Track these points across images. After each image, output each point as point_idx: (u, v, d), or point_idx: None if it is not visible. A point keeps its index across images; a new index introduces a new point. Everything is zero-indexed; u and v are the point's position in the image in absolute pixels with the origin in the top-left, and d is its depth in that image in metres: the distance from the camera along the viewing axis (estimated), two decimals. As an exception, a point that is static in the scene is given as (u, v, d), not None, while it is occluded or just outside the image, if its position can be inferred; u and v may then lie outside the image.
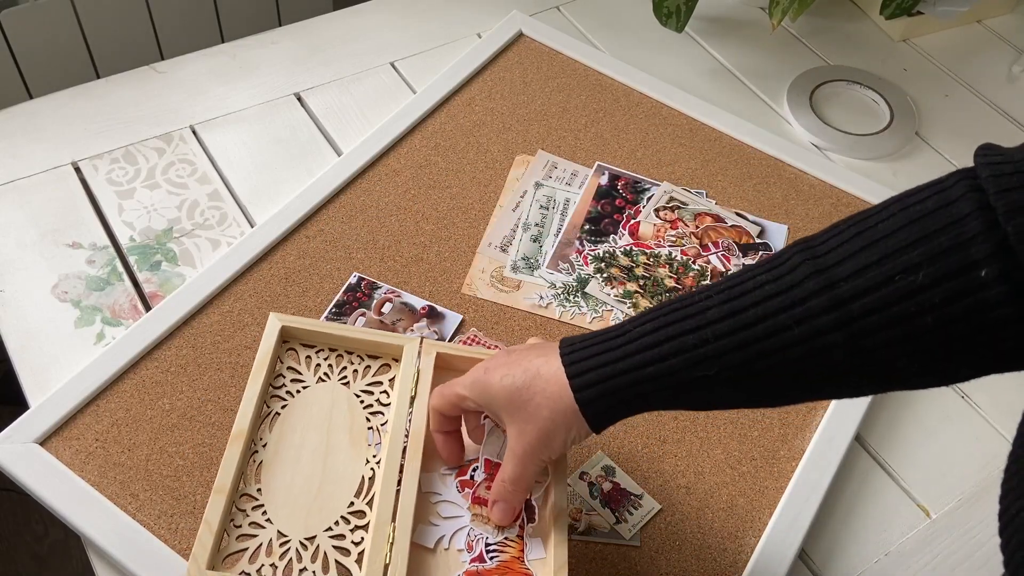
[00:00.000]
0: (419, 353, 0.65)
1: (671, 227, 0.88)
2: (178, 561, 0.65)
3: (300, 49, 1.03)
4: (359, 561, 0.58)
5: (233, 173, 0.91)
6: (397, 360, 0.67)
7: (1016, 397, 0.81)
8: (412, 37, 1.05)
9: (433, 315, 0.80)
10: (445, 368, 0.66)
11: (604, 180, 0.92)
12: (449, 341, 0.78)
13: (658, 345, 0.51)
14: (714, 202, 0.91)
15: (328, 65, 1.01)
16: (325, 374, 0.66)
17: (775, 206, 0.92)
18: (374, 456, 0.62)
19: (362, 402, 0.65)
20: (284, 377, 0.66)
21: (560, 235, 0.87)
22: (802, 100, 1.03)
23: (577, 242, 0.87)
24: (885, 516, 0.74)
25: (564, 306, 0.82)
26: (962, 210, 0.45)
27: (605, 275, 0.84)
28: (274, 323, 0.66)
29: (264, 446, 0.62)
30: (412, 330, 0.79)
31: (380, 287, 0.82)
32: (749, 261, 0.86)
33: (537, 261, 0.85)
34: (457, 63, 1.00)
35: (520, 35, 1.05)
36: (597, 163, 0.93)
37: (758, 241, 0.88)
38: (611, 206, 0.90)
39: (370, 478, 0.61)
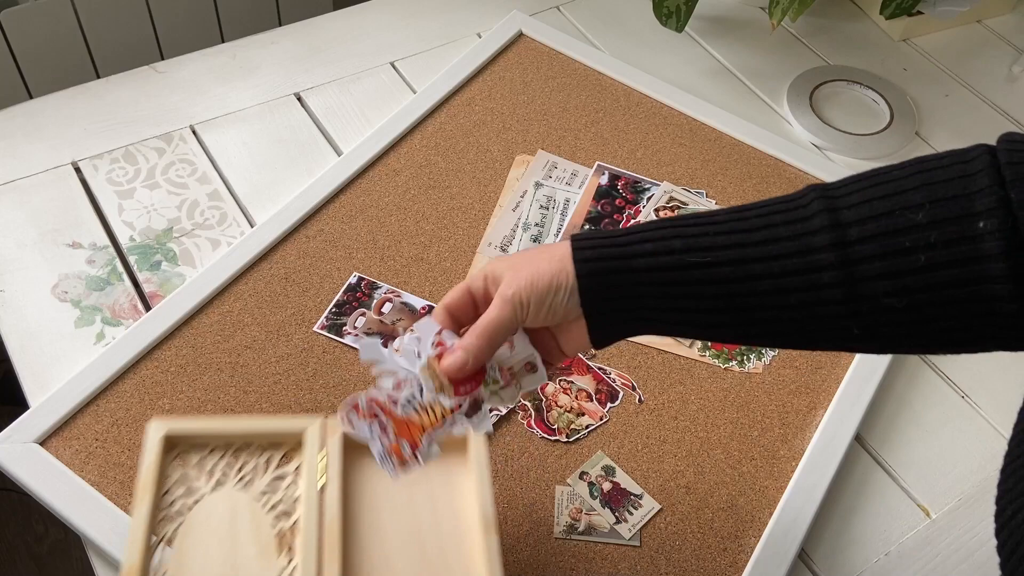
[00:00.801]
0: (323, 435, 0.58)
1: (671, 227, 0.88)
2: (178, 561, 0.65)
3: (300, 49, 1.03)
4: None
5: (233, 173, 0.91)
6: (301, 445, 0.59)
7: (1016, 397, 0.81)
8: (412, 37, 1.05)
9: (433, 315, 0.80)
10: (355, 447, 0.58)
11: (604, 180, 0.92)
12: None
13: (660, 228, 0.52)
14: (714, 202, 0.91)
15: (328, 65, 1.01)
16: (221, 478, 0.57)
17: (775, 206, 0.92)
18: (288, 564, 0.54)
19: (266, 504, 0.56)
20: (174, 493, 0.57)
21: (560, 235, 0.87)
22: (802, 100, 1.03)
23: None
24: (885, 516, 0.74)
25: (564, 306, 0.82)
26: (974, 167, 0.46)
27: (605, 275, 0.84)
28: (155, 432, 0.58)
29: None
30: (412, 330, 0.78)
31: (380, 287, 0.82)
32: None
33: (537, 261, 0.85)
34: (457, 63, 1.00)
35: (520, 35, 1.05)
36: (597, 163, 0.93)
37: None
38: (611, 206, 0.90)
39: None
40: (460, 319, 0.57)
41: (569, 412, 0.75)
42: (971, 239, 0.45)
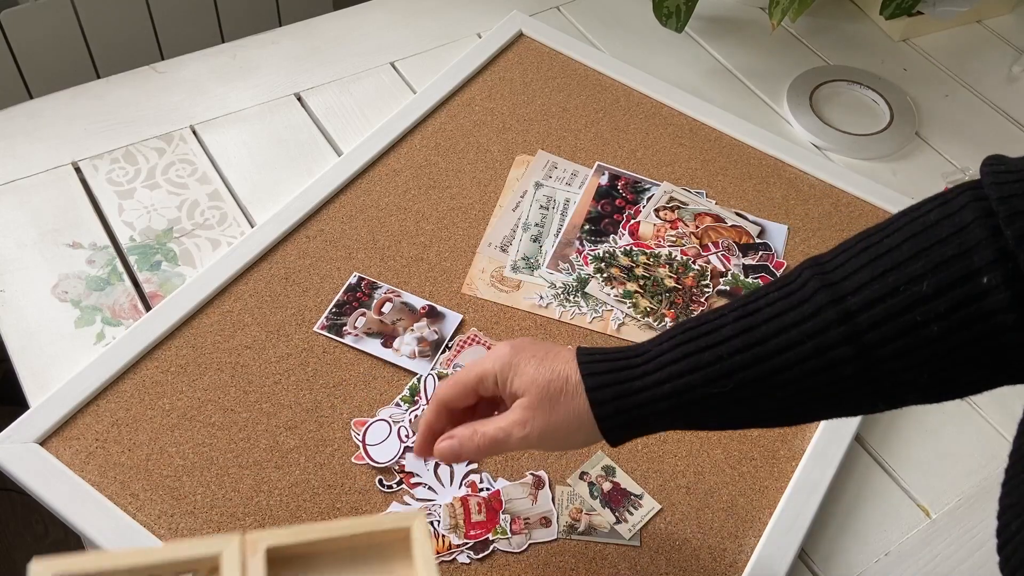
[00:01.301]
0: (243, 556, 0.45)
1: (671, 227, 0.88)
2: (178, 561, 0.65)
3: (300, 49, 1.03)
4: None
5: (233, 173, 0.91)
6: (216, 571, 0.46)
7: (1016, 397, 0.81)
8: (412, 37, 1.05)
9: (433, 315, 0.80)
10: (284, 560, 0.47)
11: (604, 180, 0.92)
12: (449, 341, 0.78)
13: (675, 362, 0.52)
14: (714, 202, 0.91)
15: (328, 65, 1.01)
16: None
17: (775, 206, 0.92)
18: None
19: None
20: None
21: (560, 235, 0.87)
22: (802, 100, 1.03)
23: (577, 242, 0.87)
24: (885, 516, 0.74)
25: (564, 306, 0.82)
26: (965, 219, 0.45)
27: (605, 275, 0.84)
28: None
29: None
30: (412, 330, 0.79)
31: (380, 287, 0.82)
32: (749, 261, 0.86)
33: (537, 261, 0.85)
34: (457, 63, 1.00)
35: (520, 35, 1.05)
36: (597, 163, 0.93)
37: (758, 241, 0.88)
38: (611, 206, 0.90)
39: None
40: (456, 414, 0.59)
41: None
42: (978, 297, 0.45)
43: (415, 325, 0.79)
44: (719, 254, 0.87)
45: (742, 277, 0.85)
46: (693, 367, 0.51)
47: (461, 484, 0.70)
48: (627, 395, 0.53)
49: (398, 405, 0.74)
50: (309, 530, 0.46)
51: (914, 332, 0.46)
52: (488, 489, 0.70)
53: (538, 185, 0.91)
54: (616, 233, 0.88)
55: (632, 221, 0.88)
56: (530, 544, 0.68)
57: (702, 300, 0.83)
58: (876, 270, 0.47)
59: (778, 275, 0.86)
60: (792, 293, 0.50)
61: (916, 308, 0.46)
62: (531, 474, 0.71)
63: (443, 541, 0.67)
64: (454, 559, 0.67)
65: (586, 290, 0.83)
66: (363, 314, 0.80)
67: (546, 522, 0.69)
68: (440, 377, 0.76)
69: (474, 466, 0.72)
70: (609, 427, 0.54)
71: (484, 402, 0.59)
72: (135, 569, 0.47)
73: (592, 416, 0.53)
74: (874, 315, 0.47)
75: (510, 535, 0.68)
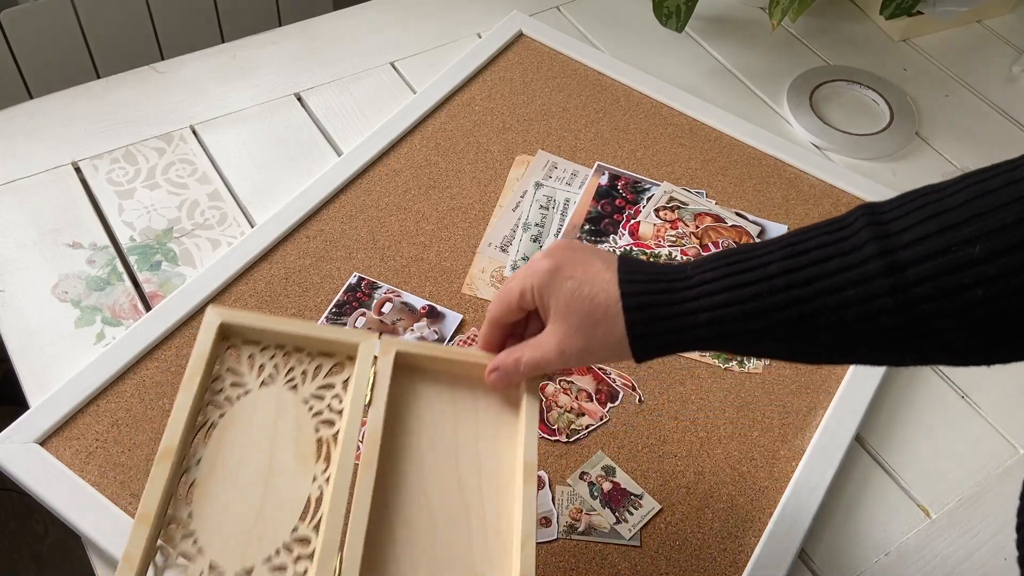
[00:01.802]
0: (377, 352, 0.57)
1: (671, 227, 0.88)
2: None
3: (300, 49, 1.03)
4: None
5: (233, 173, 0.91)
6: (352, 359, 0.58)
7: (1016, 397, 0.81)
8: (412, 37, 1.05)
9: (433, 315, 0.80)
10: (407, 368, 0.58)
11: (604, 180, 0.92)
12: (448, 341, 0.78)
13: (715, 294, 0.52)
14: (714, 202, 0.91)
15: (328, 65, 1.01)
16: (269, 376, 0.57)
17: (775, 206, 0.92)
18: (323, 472, 0.54)
19: (311, 409, 0.56)
20: (223, 381, 0.56)
21: (560, 235, 0.87)
22: (802, 100, 1.03)
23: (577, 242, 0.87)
24: (885, 516, 0.74)
25: (564, 306, 0.82)
26: None
27: (605, 275, 0.84)
28: (212, 318, 0.57)
29: (198, 463, 0.53)
30: (412, 330, 0.79)
31: (380, 287, 0.82)
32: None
33: (537, 261, 0.85)
34: (457, 63, 1.00)
35: (520, 35, 1.05)
36: (597, 163, 0.93)
37: (758, 241, 0.88)
38: (611, 206, 0.90)
39: (317, 499, 0.53)
40: (508, 327, 0.60)
41: (569, 412, 0.75)
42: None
43: (415, 325, 0.79)
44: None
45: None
46: (733, 300, 0.51)
47: None
48: (665, 319, 0.53)
49: (398, 405, 0.74)
50: (433, 347, 0.59)
51: (960, 294, 0.46)
52: None
53: (538, 185, 0.91)
54: (616, 233, 0.88)
55: (632, 221, 0.88)
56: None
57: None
58: (931, 227, 0.47)
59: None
60: (843, 239, 0.50)
61: (966, 270, 0.46)
62: None
63: None
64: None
65: (586, 290, 0.83)
66: (363, 314, 0.80)
67: (546, 522, 0.69)
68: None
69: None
70: (642, 351, 0.55)
71: (534, 313, 0.60)
72: (293, 336, 0.58)
73: (627, 338, 0.54)
74: (922, 271, 0.47)
75: None
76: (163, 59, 1.05)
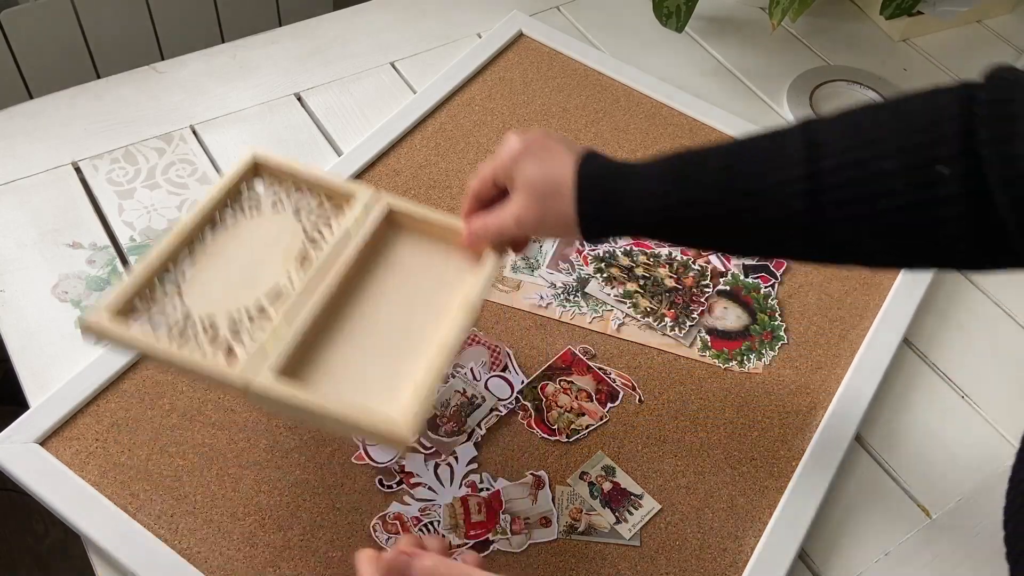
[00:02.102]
0: (372, 201, 0.68)
1: (671, 227, 0.88)
2: (178, 561, 0.65)
3: (300, 49, 1.03)
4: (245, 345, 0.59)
5: (233, 173, 0.90)
6: (348, 203, 0.69)
7: (1016, 397, 0.81)
8: (412, 37, 1.05)
9: (433, 315, 0.80)
10: (396, 222, 0.68)
11: (604, 180, 0.92)
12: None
13: (657, 179, 0.59)
14: (714, 202, 0.91)
15: (328, 65, 1.01)
16: (282, 204, 0.69)
17: (775, 206, 0.92)
18: (297, 271, 0.64)
19: (306, 232, 0.67)
20: (243, 195, 0.69)
21: (560, 235, 0.87)
22: (802, 100, 1.03)
23: (577, 242, 0.87)
24: (885, 516, 0.74)
25: (564, 306, 0.82)
26: (947, 111, 0.50)
27: (605, 275, 0.84)
28: (248, 154, 0.70)
29: (202, 243, 0.65)
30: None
31: (380, 287, 0.82)
32: (749, 261, 0.86)
33: (537, 261, 0.85)
34: (457, 63, 1.00)
35: (520, 35, 1.05)
36: (597, 163, 0.93)
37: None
38: (611, 206, 0.90)
39: (286, 287, 0.63)
40: (484, 204, 0.67)
41: (569, 412, 0.75)
42: (931, 184, 0.49)
43: (415, 325, 0.79)
44: (719, 254, 0.87)
45: (742, 277, 0.85)
46: (672, 188, 0.58)
47: (461, 484, 0.70)
48: (609, 200, 0.60)
49: (398, 405, 0.75)
50: (419, 208, 0.67)
51: (868, 202, 0.51)
52: (488, 489, 0.70)
53: (538, 185, 0.91)
54: (616, 233, 0.88)
55: (632, 221, 0.88)
56: (530, 544, 0.68)
57: (702, 300, 0.83)
58: (854, 140, 0.52)
59: (776, 272, 0.86)
60: (779, 146, 0.55)
61: (876, 182, 0.51)
62: (531, 474, 0.71)
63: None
64: (454, 559, 0.67)
65: (586, 290, 0.83)
66: (363, 314, 0.80)
67: (546, 522, 0.69)
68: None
69: (474, 466, 0.72)
70: (588, 229, 0.61)
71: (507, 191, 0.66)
72: (309, 179, 0.69)
73: (576, 215, 0.60)
74: (838, 179, 0.52)
75: (510, 535, 0.68)
76: (163, 59, 1.05)
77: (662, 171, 0.59)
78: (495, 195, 0.66)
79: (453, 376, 0.76)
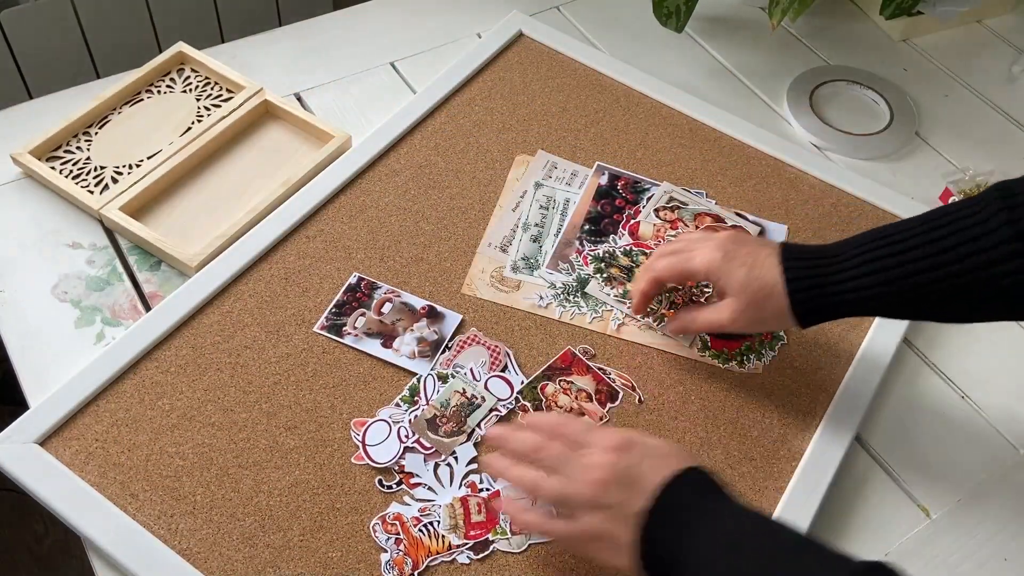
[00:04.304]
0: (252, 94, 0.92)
1: (671, 227, 0.88)
2: (178, 561, 0.65)
3: (300, 49, 1.03)
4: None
5: (233, 173, 0.90)
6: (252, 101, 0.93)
7: (1016, 397, 0.81)
8: (412, 37, 1.05)
9: (433, 315, 0.80)
10: (272, 115, 0.93)
11: (604, 180, 0.92)
12: (449, 341, 0.78)
13: (864, 264, 0.65)
14: (714, 202, 0.91)
15: (328, 65, 1.01)
16: (191, 89, 0.93)
17: (775, 206, 0.92)
18: (181, 136, 0.89)
19: (198, 112, 0.91)
20: (164, 80, 0.94)
21: (560, 235, 0.87)
22: (802, 100, 1.03)
23: (577, 242, 0.87)
24: (885, 516, 0.74)
25: (564, 306, 0.82)
26: None
27: (605, 275, 0.84)
28: (176, 46, 0.96)
29: (119, 114, 0.90)
30: (412, 330, 0.79)
31: (380, 287, 0.82)
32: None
33: (537, 261, 0.85)
34: (457, 63, 1.00)
35: (520, 35, 1.05)
36: (597, 163, 0.93)
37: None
38: (611, 206, 0.90)
39: (164, 149, 0.88)
40: (651, 299, 0.77)
41: (569, 413, 0.75)
42: None
43: (415, 325, 0.79)
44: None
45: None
46: (879, 269, 0.64)
47: (461, 484, 0.70)
48: (821, 296, 0.66)
49: (398, 405, 0.75)
50: (295, 109, 0.94)
51: None
52: (488, 489, 0.70)
53: (538, 185, 0.91)
54: (616, 233, 0.88)
55: (632, 221, 0.88)
56: (530, 544, 0.68)
57: (702, 300, 0.83)
58: None
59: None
60: (976, 212, 0.60)
61: None
62: None
63: (443, 541, 0.67)
64: (454, 559, 0.67)
65: (586, 290, 0.83)
66: (363, 314, 0.80)
67: None
68: (440, 377, 0.76)
69: (474, 466, 0.72)
70: (806, 321, 0.68)
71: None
72: (204, 66, 0.96)
73: (792, 312, 0.67)
74: None
75: (510, 535, 0.68)
76: (163, 59, 1.05)
77: (862, 255, 0.65)
78: (658, 293, 0.77)
79: (452, 376, 0.76)
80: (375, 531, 0.68)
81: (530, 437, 0.64)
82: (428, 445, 0.72)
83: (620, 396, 0.77)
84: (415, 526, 0.68)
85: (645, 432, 0.65)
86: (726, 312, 0.70)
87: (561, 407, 0.76)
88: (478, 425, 0.74)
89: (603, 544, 0.59)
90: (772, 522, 0.57)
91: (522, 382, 0.77)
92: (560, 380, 0.77)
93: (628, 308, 0.81)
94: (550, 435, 0.64)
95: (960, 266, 0.60)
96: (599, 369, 0.78)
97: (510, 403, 0.75)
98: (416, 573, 0.66)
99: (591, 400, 0.76)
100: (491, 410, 0.75)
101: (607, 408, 0.76)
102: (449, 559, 0.67)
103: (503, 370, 0.77)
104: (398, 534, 0.67)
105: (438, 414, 0.74)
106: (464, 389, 0.75)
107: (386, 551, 0.67)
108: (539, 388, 0.76)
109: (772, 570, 0.53)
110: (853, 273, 0.65)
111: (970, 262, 0.60)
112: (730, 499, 0.58)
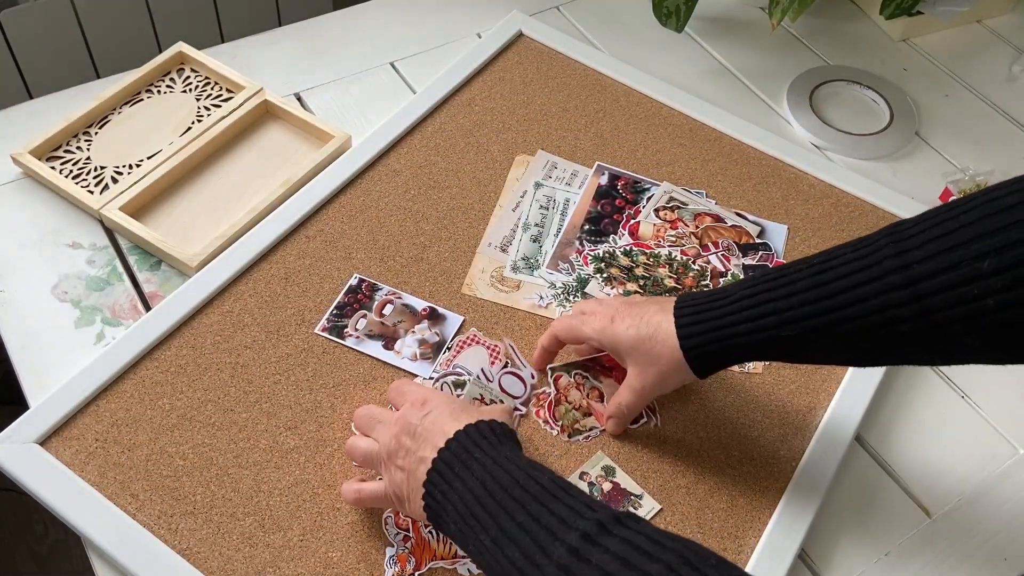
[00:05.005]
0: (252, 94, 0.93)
1: (671, 227, 0.88)
2: (178, 561, 0.65)
3: (300, 49, 1.03)
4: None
5: (233, 173, 0.90)
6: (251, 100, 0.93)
7: (1016, 397, 0.81)
8: (412, 37, 1.05)
9: (434, 317, 0.80)
10: (271, 115, 0.93)
11: (604, 180, 0.92)
12: (450, 342, 0.78)
13: (753, 307, 0.61)
14: (714, 202, 0.91)
15: (328, 65, 1.01)
16: (191, 88, 0.93)
17: (775, 206, 0.92)
18: (181, 136, 0.89)
19: (198, 111, 0.91)
20: (163, 80, 0.93)
21: (560, 235, 0.87)
22: (802, 100, 1.03)
23: (577, 242, 0.87)
24: (885, 516, 0.74)
25: (564, 306, 0.82)
26: None
27: (605, 275, 0.84)
28: (176, 46, 0.96)
29: (118, 114, 0.91)
30: (413, 331, 0.79)
31: (381, 288, 0.81)
32: (749, 261, 0.86)
33: (537, 261, 0.85)
34: (457, 63, 1.00)
35: (520, 35, 1.05)
36: (597, 163, 0.93)
37: (758, 241, 0.88)
38: (611, 206, 0.90)
39: (164, 149, 0.88)
40: (552, 355, 0.76)
41: (576, 410, 0.75)
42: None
43: (416, 327, 0.79)
44: (719, 254, 0.87)
45: (741, 277, 0.85)
46: (769, 312, 0.60)
47: None
48: (711, 336, 0.63)
49: (398, 405, 0.74)
50: (295, 109, 0.94)
51: (971, 303, 0.51)
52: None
53: (538, 185, 0.91)
54: (616, 233, 0.88)
55: (632, 221, 0.88)
56: None
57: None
58: (945, 244, 0.53)
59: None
60: (865, 256, 0.57)
61: (975, 282, 0.51)
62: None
63: (449, 547, 0.67)
64: (455, 568, 0.67)
65: (586, 290, 0.83)
66: (364, 316, 0.80)
67: None
68: (456, 385, 0.76)
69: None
70: (698, 365, 0.65)
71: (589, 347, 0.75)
72: (204, 65, 0.96)
73: (684, 357, 0.65)
74: (936, 283, 0.52)
75: None
76: (163, 59, 1.05)
77: (753, 296, 0.62)
78: (558, 350, 0.76)
79: (468, 383, 0.76)
80: (387, 523, 0.68)
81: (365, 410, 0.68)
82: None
83: (644, 420, 0.76)
84: (425, 527, 0.68)
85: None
86: (631, 386, 0.69)
87: (571, 403, 0.75)
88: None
89: (405, 500, 0.61)
90: (534, 468, 0.57)
91: (532, 375, 0.76)
92: (576, 374, 0.77)
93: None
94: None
95: (849, 311, 0.57)
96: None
97: (524, 402, 0.75)
98: (417, 573, 0.66)
99: (601, 400, 0.76)
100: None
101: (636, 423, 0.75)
102: (451, 567, 0.67)
103: (505, 366, 0.77)
104: (407, 531, 0.67)
105: None
106: (482, 396, 0.75)
107: (393, 545, 0.67)
108: (554, 379, 0.76)
109: (514, 514, 0.53)
110: (746, 315, 0.62)
111: (859, 308, 0.56)
112: (503, 447, 0.59)
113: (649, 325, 0.66)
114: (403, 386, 0.69)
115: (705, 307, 0.64)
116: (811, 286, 0.58)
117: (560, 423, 0.74)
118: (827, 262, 0.59)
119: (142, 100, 0.93)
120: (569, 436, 0.74)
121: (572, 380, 0.77)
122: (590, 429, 0.74)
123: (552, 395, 0.76)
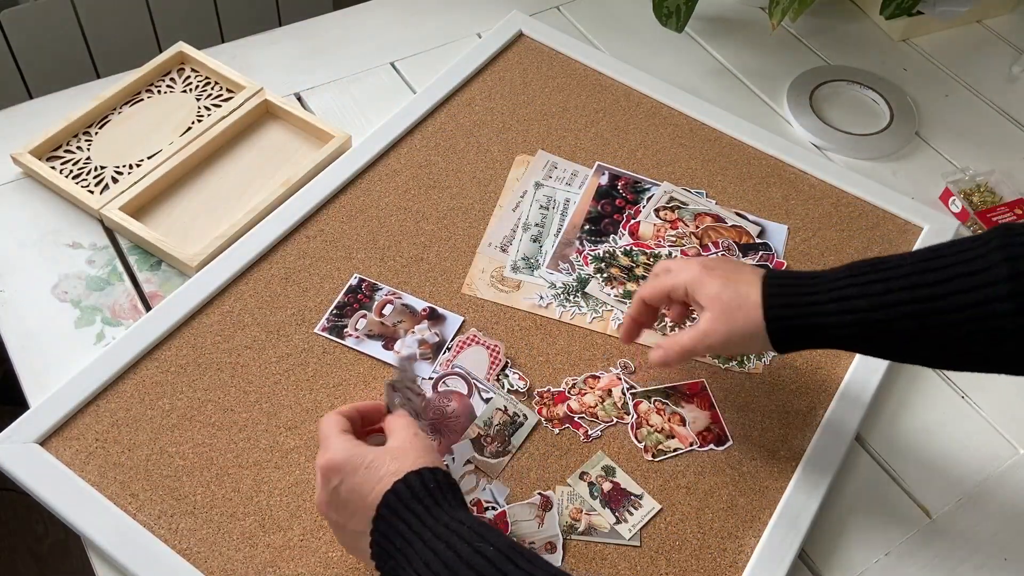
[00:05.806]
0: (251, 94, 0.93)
1: (671, 227, 0.88)
2: (178, 561, 0.65)
3: (300, 49, 1.03)
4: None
5: (233, 173, 0.90)
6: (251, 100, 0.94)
7: (1016, 397, 0.81)
8: (412, 37, 1.05)
9: (434, 317, 0.80)
10: (271, 115, 0.93)
11: (604, 180, 0.92)
12: (450, 342, 0.78)
13: (846, 287, 0.60)
14: (714, 202, 0.91)
15: (328, 65, 1.01)
16: (191, 88, 0.93)
17: (775, 206, 0.92)
18: (180, 136, 0.89)
19: (198, 111, 0.91)
20: (163, 80, 0.93)
21: (560, 235, 0.87)
22: (802, 100, 1.03)
23: (577, 242, 0.87)
24: (885, 516, 0.74)
25: (564, 306, 0.82)
26: None
27: (605, 275, 0.84)
28: (176, 46, 0.96)
29: (119, 113, 0.91)
30: (413, 332, 0.79)
31: (381, 288, 0.81)
32: (749, 261, 0.86)
33: (537, 261, 0.85)
34: (457, 63, 1.00)
35: (520, 35, 1.05)
36: (597, 163, 0.93)
37: (758, 241, 0.88)
38: (611, 206, 0.90)
39: (164, 149, 0.88)
40: (653, 310, 0.73)
41: (659, 432, 0.75)
42: None
43: (416, 327, 0.79)
44: (719, 254, 0.87)
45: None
46: (862, 294, 0.59)
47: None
48: (798, 309, 0.61)
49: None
50: (295, 109, 0.93)
51: None
52: (494, 509, 0.70)
53: (538, 185, 0.91)
54: (616, 233, 0.88)
55: (632, 221, 0.88)
56: None
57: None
58: None
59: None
60: (973, 257, 0.55)
61: None
62: (539, 494, 0.70)
63: None
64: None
65: (586, 290, 0.83)
66: (364, 316, 0.80)
67: (551, 547, 0.68)
68: (442, 378, 0.76)
69: (481, 484, 0.71)
70: (778, 337, 0.63)
71: (678, 304, 0.72)
72: (204, 65, 0.95)
73: (766, 331, 0.63)
74: None
75: None
76: (163, 59, 1.05)
77: (848, 278, 0.60)
78: (652, 319, 0.74)
79: (489, 396, 0.76)
80: None
81: None
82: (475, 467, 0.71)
83: (729, 443, 0.75)
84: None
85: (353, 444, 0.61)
86: (700, 325, 0.66)
87: (652, 426, 0.75)
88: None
89: (363, 556, 0.58)
90: (479, 538, 0.53)
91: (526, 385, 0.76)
92: (656, 400, 0.76)
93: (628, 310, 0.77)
94: None
95: (950, 301, 0.56)
96: (717, 407, 0.77)
97: (459, 423, 0.74)
98: None
99: (683, 424, 0.75)
100: (533, 428, 0.74)
101: (708, 448, 0.74)
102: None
103: (503, 369, 0.77)
104: None
105: (482, 433, 0.73)
106: (505, 407, 0.75)
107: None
108: (633, 405, 0.76)
109: None
110: (835, 295, 0.60)
111: (961, 298, 0.55)
112: (439, 510, 0.55)
113: (739, 282, 0.65)
114: (319, 430, 0.64)
115: (795, 282, 0.63)
116: (911, 272, 0.57)
117: (643, 444, 0.74)
118: (933, 253, 0.58)
119: (142, 100, 0.93)
120: (653, 456, 0.74)
121: (652, 406, 0.76)
122: (674, 450, 0.74)
123: (633, 419, 0.75)
